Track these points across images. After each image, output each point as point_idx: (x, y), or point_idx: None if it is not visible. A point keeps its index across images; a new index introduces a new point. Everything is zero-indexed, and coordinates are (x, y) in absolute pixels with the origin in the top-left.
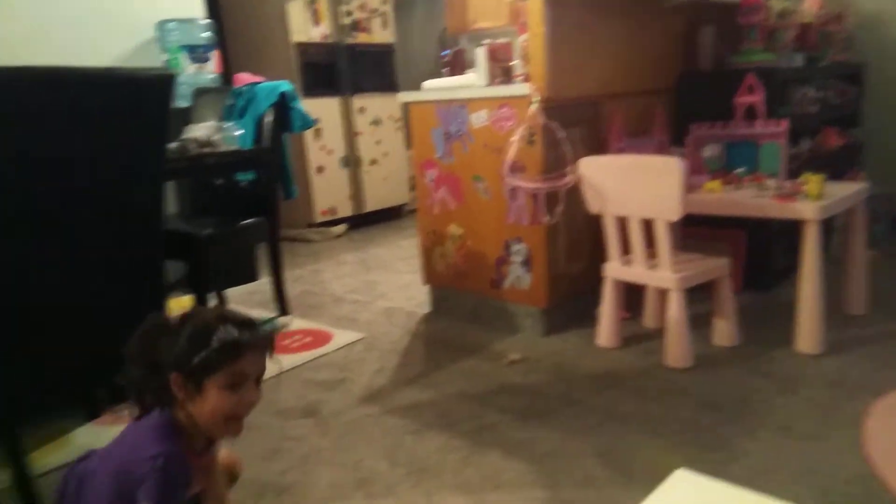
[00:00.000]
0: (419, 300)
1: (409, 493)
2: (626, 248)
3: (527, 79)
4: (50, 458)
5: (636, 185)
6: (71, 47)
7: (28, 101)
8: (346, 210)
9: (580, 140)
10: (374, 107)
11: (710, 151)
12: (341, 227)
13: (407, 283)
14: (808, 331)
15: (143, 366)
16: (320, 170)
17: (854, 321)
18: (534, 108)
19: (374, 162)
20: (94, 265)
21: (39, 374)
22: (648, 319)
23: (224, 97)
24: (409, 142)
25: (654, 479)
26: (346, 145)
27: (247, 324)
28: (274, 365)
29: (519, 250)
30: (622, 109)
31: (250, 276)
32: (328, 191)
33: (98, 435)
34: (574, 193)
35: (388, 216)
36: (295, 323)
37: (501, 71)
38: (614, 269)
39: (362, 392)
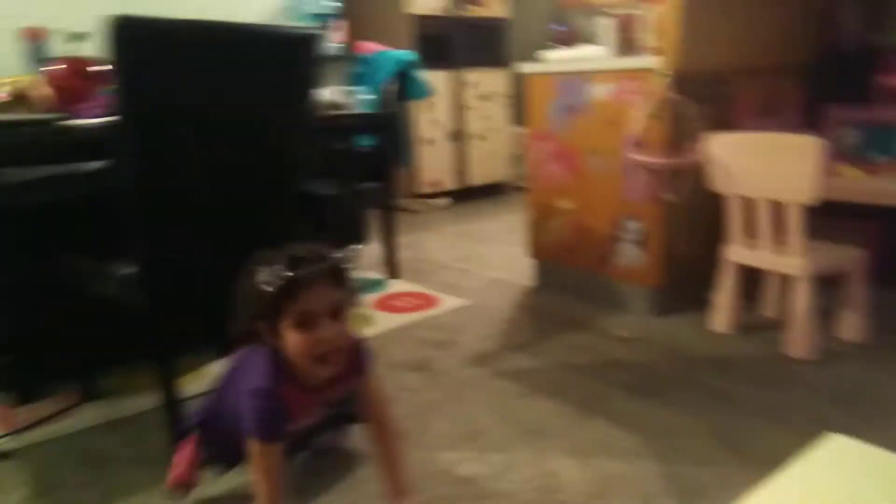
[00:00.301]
0: (523, 273)
1: (520, 449)
2: (749, 232)
3: (655, 52)
4: (189, 387)
5: (770, 165)
6: (204, 12)
7: (193, 54)
8: (450, 183)
9: (706, 117)
10: (484, 81)
11: (848, 136)
12: (445, 200)
13: (511, 256)
14: None
15: (240, 313)
16: (430, 142)
17: None
18: (662, 81)
19: (480, 137)
20: (241, 215)
21: (189, 312)
22: (767, 308)
23: (348, 65)
24: (517, 118)
25: (775, 462)
26: (455, 119)
27: (304, 259)
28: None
29: (633, 228)
30: (752, 87)
31: (360, 239)
32: (435, 163)
33: None
34: (696, 173)
35: (491, 192)
36: (404, 286)
37: (628, 43)
38: (736, 253)
39: (470, 354)
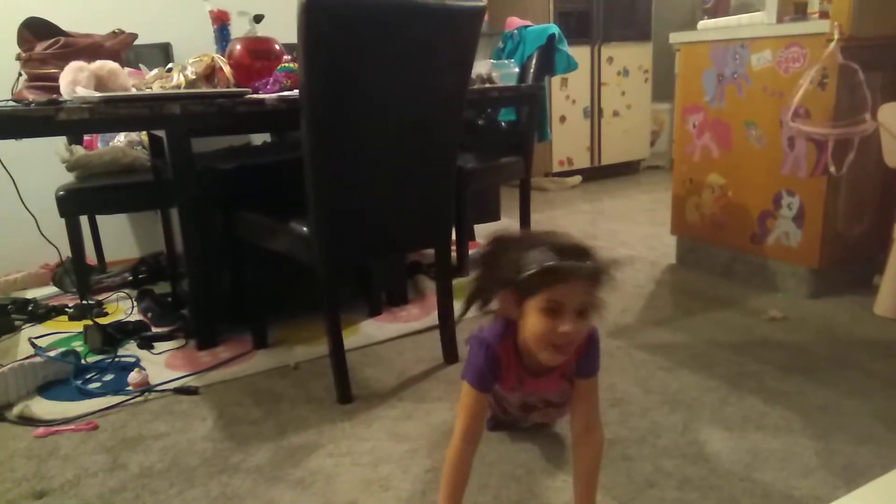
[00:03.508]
0: (663, 251)
1: (664, 418)
2: None
3: (823, 15)
4: (348, 339)
5: None
6: None
7: (374, 30)
8: (582, 161)
9: (880, 87)
10: (624, 56)
11: None
12: (576, 179)
13: (649, 234)
14: None
15: (487, 278)
16: (562, 119)
17: None
18: (832, 46)
19: (616, 114)
20: (401, 183)
21: (354, 266)
22: None
23: (494, 41)
24: (657, 94)
25: None
26: (591, 95)
27: (572, 252)
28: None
29: (790, 204)
30: None
31: (495, 215)
32: (567, 141)
33: (379, 328)
34: (863, 146)
35: (624, 171)
36: None
37: (793, 7)
38: None
39: (609, 327)
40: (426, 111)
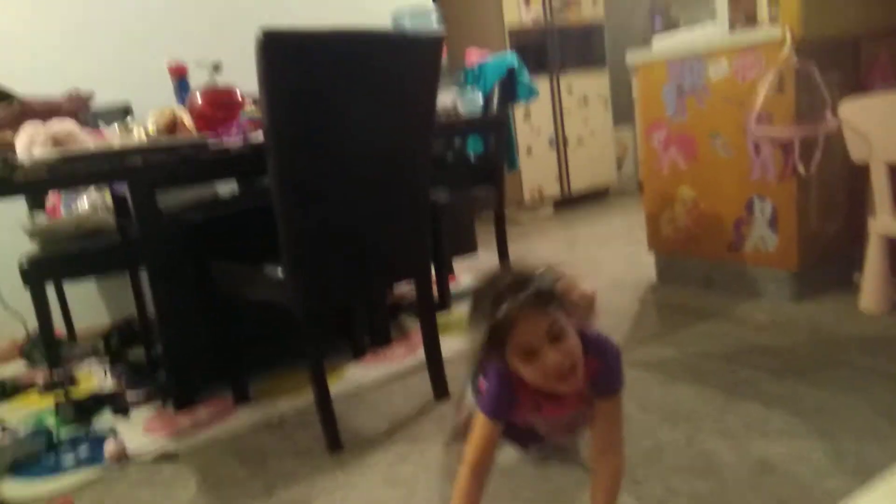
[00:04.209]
0: (643, 270)
1: (667, 435)
2: None
3: (774, 21)
4: (333, 386)
5: None
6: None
7: (327, 63)
8: (552, 190)
9: (837, 84)
10: (582, 84)
11: None
12: (548, 210)
13: (626, 255)
14: None
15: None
16: (529, 150)
17: None
18: (786, 50)
19: (580, 142)
20: (376, 217)
21: (332, 310)
22: None
23: (454, 76)
24: (617, 119)
25: None
26: (555, 124)
27: (508, 290)
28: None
29: (763, 209)
30: (883, 49)
31: (472, 247)
32: (536, 171)
33: (364, 371)
34: (828, 144)
35: (594, 198)
36: None
37: (743, 16)
38: (884, 224)
39: None
40: (395, 142)
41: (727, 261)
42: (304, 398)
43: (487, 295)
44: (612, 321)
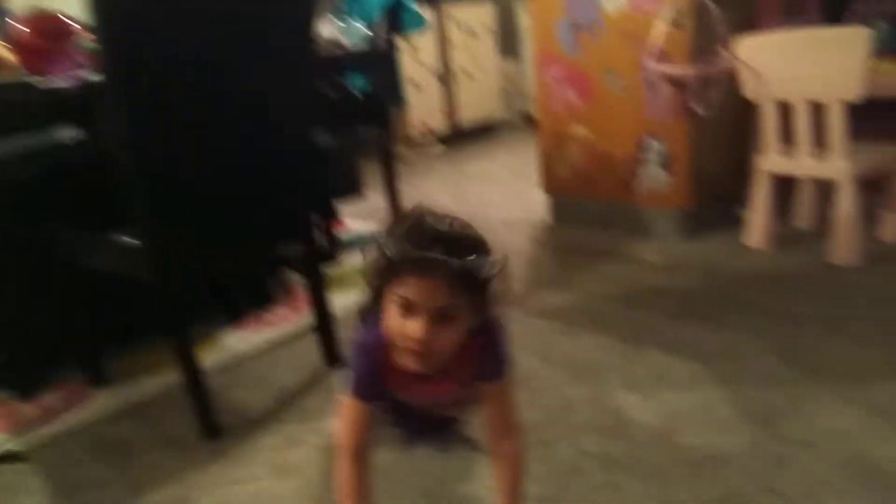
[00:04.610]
0: (537, 210)
1: (574, 391)
2: (786, 139)
3: None
4: (206, 358)
5: (811, 63)
6: None
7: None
8: (441, 126)
9: (734, 23)
10: (468, 16)
11: (876, 30)
12: (438, 146)
13: (519, 194)
14: None
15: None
16: (415, 85)
17: None
18: None
19: (468, 75)
20: (249, 170)
21: (201, 278)
22: (800, 219)
23: (334, 4)
24: (505, 51)
25: (847, 376)
26: (441, 58)
27: (446, 242)
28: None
29: (656, 149)
30: None
31: (358, 190)
32: (423, 107)
33: (243, 339)
34: (724, 81)
35: (483, 133)
36: None
37: None
38: (772, 162)
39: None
40: (265, 81)
41: (622, 201)
42: (174, 375)
43: (418, 228)
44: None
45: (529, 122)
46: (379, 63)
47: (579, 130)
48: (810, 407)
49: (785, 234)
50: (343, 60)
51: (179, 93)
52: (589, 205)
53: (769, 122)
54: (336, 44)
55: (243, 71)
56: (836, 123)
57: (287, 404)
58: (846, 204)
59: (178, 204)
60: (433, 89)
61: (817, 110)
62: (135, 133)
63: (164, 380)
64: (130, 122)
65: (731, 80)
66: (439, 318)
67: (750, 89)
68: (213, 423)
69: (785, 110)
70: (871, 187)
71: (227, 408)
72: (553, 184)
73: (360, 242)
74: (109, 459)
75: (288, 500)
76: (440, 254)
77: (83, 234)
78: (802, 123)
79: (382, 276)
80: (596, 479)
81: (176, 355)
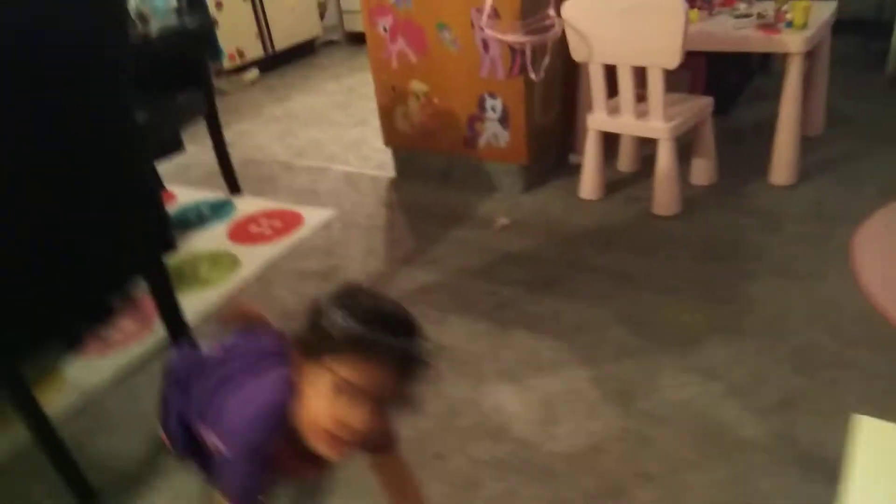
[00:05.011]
0: (378, 161)
1: (455, 388)
2: (611, 98)
3: None
4: (49, 400)
5: (631, 30)
6: None
7: None
8: (254, 51)
9: None
10: None
11: None
12: (254, 73)
13: (356, 141)
14: (784, 163)
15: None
16: (219, 6)
17: (813, 144)
18: None
19: None
20: (58, 207)
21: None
22: (623, 163)
23: None
24: None
25: (684, 341)
26: None
27: (394, 325)
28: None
29: (494, 106)
30: None
31: (177, 146)
32: (232, 31)
33: (89, 368)
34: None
35: (301, 53)
36: (252, 203)
37: None
38: (600, 121)
39: (361, 279)
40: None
41: (464, 156)
42: (21, 430)
43: (358, 303)
44: (361, 240)
45: (348, 37)
46: (202, 28)
47: (417, 86)
48: (660, 379)
49: (613, 181)
50: (172, 38)
51: None
52: (432, 159)
53: (596, 84)
54: (145, 16)
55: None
56: (656, 88)
57: (164, 449)
58: (665, 160)
59: None
60: (242, 9)
61: (641, 71)
62: None
63: (13, 435)
64: None
65: (560, 40)
66: (378, 404)
67: (575, 51)
68: (83, 487)
69: (610, 71)
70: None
71: (93, 462)
72: (395, 138)
73: (195, 216)
74: None
75: None
76: (388, 336)
77: None
78: (625, 87)
79: (324, 347)
80: (493, 489)
81: (12, 407)
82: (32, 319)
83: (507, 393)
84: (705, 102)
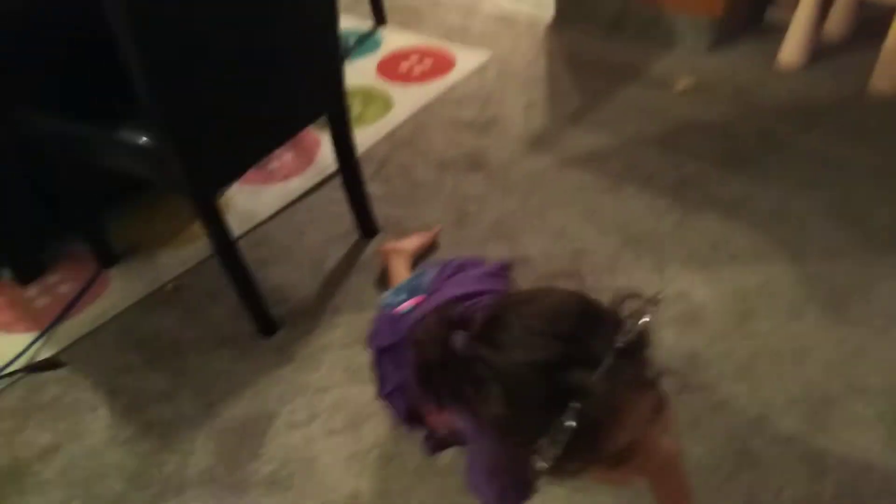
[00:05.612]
0: (536, 2)
1: (635, 268)
2: None
3: None
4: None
5: None
6: None
7: None
8: None
9: None
10: None
11: None
12: None
13: None
14: None
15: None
16: None
17: None
18: None
19: None
20: (265, 36)
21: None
22: (833, 27)
23: None
24: None
25: None
26: None
27: (602, 348)
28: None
29: None
30: None
31: None
32: None
33: (254, 196)
34: None
35: None
36: (400, 38)
37: None
38: None
39: (523, 135)
40: None
41: (641, 2)
42: (192, 247)
43: (553, 348)
44: (521, 89)
45: None
46: None
47: None
48: (877, 286)
49: (818, 47)
50: None
51: None
52: (602, 3)
53: None
54: None
55: None
56: None
57: (333, 286)
58: None
59: (193, 84)
60: None
61: None
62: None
63: (180, 253)
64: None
65: None
66: (655, 414)
67: None
68: (267, 317)
69: None
70: None
71: (269, 290)
72: None
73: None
74: (162, 363)
75: (376, 408)
76: (609, 364)
77: (74, 128)
78: None
79: (573, 455)
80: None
81: (204, 227)
82: (241, 152)
83: (696, 284)
84: None
